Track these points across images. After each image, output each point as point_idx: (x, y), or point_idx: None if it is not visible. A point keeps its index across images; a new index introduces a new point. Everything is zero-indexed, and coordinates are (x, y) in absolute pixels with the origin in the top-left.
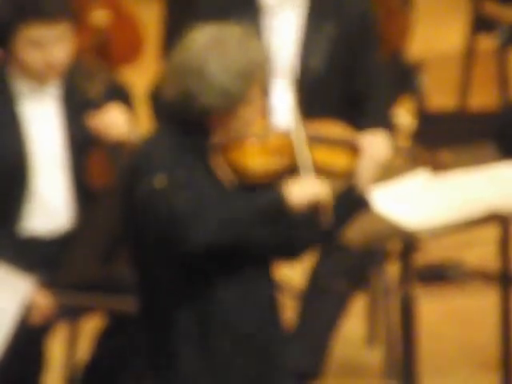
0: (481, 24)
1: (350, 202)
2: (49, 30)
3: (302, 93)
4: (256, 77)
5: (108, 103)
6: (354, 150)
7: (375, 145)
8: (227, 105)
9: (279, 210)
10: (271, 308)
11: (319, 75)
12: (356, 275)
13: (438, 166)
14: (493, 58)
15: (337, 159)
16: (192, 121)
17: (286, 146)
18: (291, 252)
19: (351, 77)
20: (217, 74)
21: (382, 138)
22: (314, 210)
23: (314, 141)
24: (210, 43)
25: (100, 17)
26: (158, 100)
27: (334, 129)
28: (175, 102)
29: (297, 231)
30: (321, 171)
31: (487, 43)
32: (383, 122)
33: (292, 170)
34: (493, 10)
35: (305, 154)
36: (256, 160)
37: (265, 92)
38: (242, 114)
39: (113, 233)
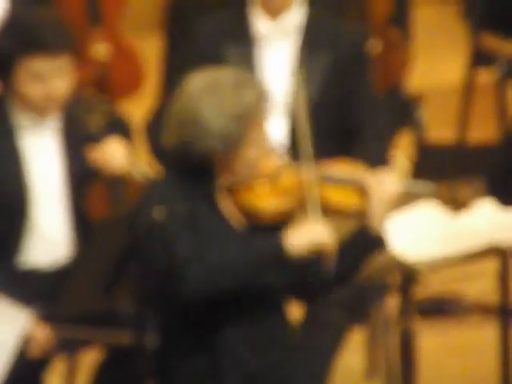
0: (480, 57)
1: (364, 242)
2: (50, 63)
3: (304, 123)
4: (253, 118)
5: (108, 136)
6: (363, 189)
7: (384, 184)
8: (226, 148)
9: (278, 258)
10: (285, 346)
11: (313, 105)
12: (355, 307)
13: (457, 205)
14: (492, 91)
15: (347, 199)
16: (195, 165)
17: (296, 187)
18: (306, 295)
19: (345, 106)
20: (212, 119)
21: (390, 176)
22: (316, 256)
23: (325, 180)
24: (203, 90)
25: (101, 50)
26: (154, 135)
27: (346, 168)
28: (176, 149)
29: (304, 276)
30: (331, 211)
31: (486, 76)
32: (377, 156)
33: (302, 209)
34: (492, 43)
35: (314, 194)
36: (266, 201)
37: (268, 130)
38: (245, 154)
39: (112, 265)
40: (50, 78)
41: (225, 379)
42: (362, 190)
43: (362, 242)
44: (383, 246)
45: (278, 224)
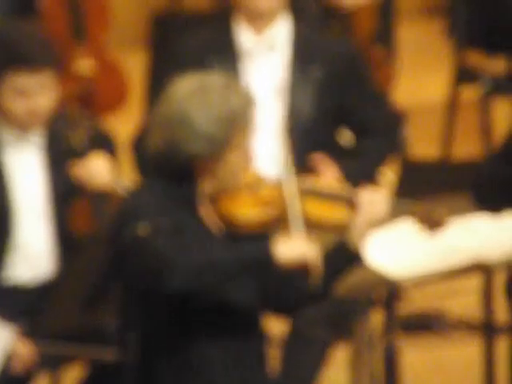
0: (464, 74)
1: (343, 256)
2: (33, 78)
3: (292, 138)
4: (240, 122)
5: (91, 152)
6: (350, 204)
7: (374, 202)
8: (212, 151)
9: (265, 265)
10: (259, 363)
11: (308, 121)
12: (338, 324)
13: (434, 225)
14: (476, 108)
15: (328, 213)
16: (178, 169)
17: (277, 198)
18: (282, 307)
19: (343, 118)
20: (199, 121)
21: (382, 195)
22: (301, 270)
23: (307, 193)
24: (191, 92)
25: (85, 66)
26: (140, 151)
27: (329, 182)
28: (160, 151)
29: (284, 287)
30: (311, 224)
31: (470, 93)
32: (369, 168)
33: (282, 222)
34: (476, 60)
35: (295, 207)
36: (246, 211)
37: (251, 138)
38: (229, 159)
39: (95, 282)
40: (33, 93)
41: None
42: (348, 205)
43: (341, 256)
44: (361, 261)
45: (257, 234)
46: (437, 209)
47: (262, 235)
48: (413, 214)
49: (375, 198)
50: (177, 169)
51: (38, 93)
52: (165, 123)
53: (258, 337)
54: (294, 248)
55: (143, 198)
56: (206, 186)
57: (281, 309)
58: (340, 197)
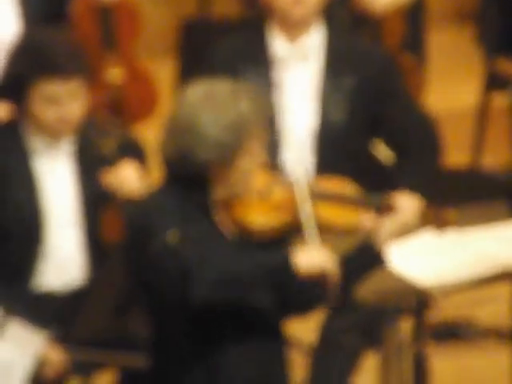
0: (494, 81)
1: (367, 257)
2: (63, 86)
3: (324, 147)
4: (251, 128)
5: (122, 159)
6: (382, 207)
7: (409, 209)
8: (223, 157)
9: (286, 276)
10: (279, 364)
11: (341, 129)
12: (368, 332)
13: (442, 224)
14: (507, 115)
15: (341, 217)
16: (192, 176)
17: (289, 203)
18: (300, 310)
19: (377, 127)
20: (209, 127)
21: (417, 202)
22: (319, 281)
23: (319, 197)
24: (201, 98)
25: (115, 74)
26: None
27: (344, 186)
28: (173, 158)
29: (303, 294)
30: (324, 228)
31: (501, 100)
32: (416, 182)
33: (296, 226)
34: (506, 67)
35: (307, 211)
36: (258, 217)
37: (270, 142)
38: (241, 164)
39: (125, 288)
40: (64, 101)
41: None
42: (357, 208)
43: (365, 256)
44: (384, 263)
45: (271, 240)
46: (445, 210)
47: (275, 241)
48: (423, 214)
49: (412, 204)
50: (190, 175)
51: (69, 101)
52: (175, 130)
53: (280, 341)
54: (313, 259)
55: (161, 204)
56: (219, 192)
57: (298, 311)
58: (357, 200)
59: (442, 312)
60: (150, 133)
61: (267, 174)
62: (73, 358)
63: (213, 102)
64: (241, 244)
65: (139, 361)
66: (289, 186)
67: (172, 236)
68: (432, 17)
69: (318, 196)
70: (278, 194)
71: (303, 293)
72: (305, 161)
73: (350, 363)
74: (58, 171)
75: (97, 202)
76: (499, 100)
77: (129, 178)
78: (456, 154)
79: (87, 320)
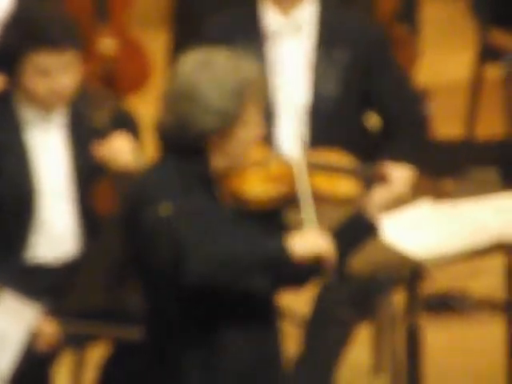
0: (488, 53)
1: (359, 226)
2: (56, 58)
3: (316, 121)
4: (249, 95)
5: (114, 132)
6: (374, 177)
7: (401, 179)
8: (222, 125)
9: (281, 261)
10: (274, 347)
11: (334, 103)
12: (361, 303)
13: (440, 195)
14: (500, 86)
15: (339, 186)
16: (190, 146)
17: (287, 173)
18: (294, 286)
19: (375, 101)
20: (208, 94)
21: (410, 174)
22: (316, 263)
23: (317, 168)
24: (198, 66)
25: (107, 45)
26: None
27: (340, 157)
28: (171, 129)
29: (298, 274)
30: (321, 198)
31: (494, 72)
32: (408, 155)
33: (292, 197)
34: (500, 39)
35: (304, 182)
36: (255, 187)
37: (265, 114)
38: (240, 134)
39: (118, 261)
40: (57, 73)
41: (214, 378)
42: (361, 178)
43: (357, 226)
44: (376, 233)
45: (268, 211)
46: (443, 180)
47: (273, 212)
48: (420, 185)
49: (404, 175)
50: (188, 145)
51: (61, 73)
52: (173, 99)
53: (274, 317)
54: (309, 244)
55: (159, 176)
56: (217, 163)
57: (292, 287)
58: (354, 170)
59: (436, 284)
60: (143, 106)
61: (265, 146)
62: (66, 331)
63: (211, 69)
64: (238, 216)
65: (133, 333)
66: (286, 157)
67: (165, 208)
68: None
69: (314, 167)
70: (276, 165)
71: (299, 273)
72: (298, 134)
73: (343, 335)
74: (50, 143)
75: (89, 174)
76: (492, 72)
77: (121, 150)
78: (449, 126)
79: (80, 292)
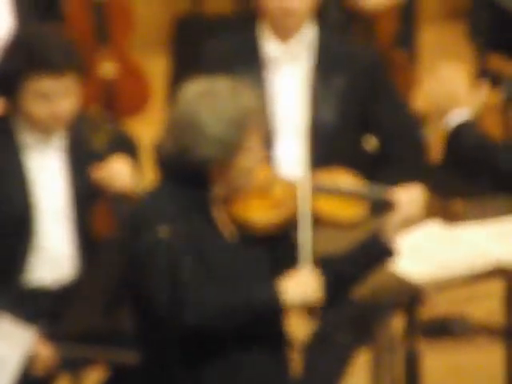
0: (486, 78)
1: (375, 250)
2: (56, 83)
3: (315, 146)
4: (250, 124)
5: (113, 154)
6: (384, 203)
7: (412, 202)
8: (224, 155)
9: (272, 311)
10: (284, 369)
11: (332, 128)
12: (360, 328)
13: (450, 217)
14: (498, 111)
15: (343, 211)
16: (192, 173)
17: (291, 197)
18: None
19: (368, 127)
20: (209, 124)
21: (419, 194)
22: (302, 309)
23: (322, 191)
24: (200, 95)
25: (108, 69)
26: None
27: (347, 179)
28: (173, 155)
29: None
30: (324, 222)
31: (493, 97)
32: (406, 179)
33: (294, 222)
34: (498, 64)
35: (306, 208)
36: (257, 213)
37: (265, 139)
38: (242, 162)
39: (115, 284)
40: (56, 97)
41: None
42: (361, 202)
43: (372, 250)
44: (392, 258)
45: (270, 235)
46: (454, 201)
47: (277, 237)
48: (430, 207)
49: (413, 198)
50: (189, 173)
51: (61, 97)
52: (175, 127)
53: (282, 342)
54: (299, 291)
55: (158, 201)
56: (219, 189)
57: None
58: (364, 194)
59: (435, 308)
60: (143, 128)
61: (269, 168)
62: (62, 354)
63: (213, 98)
64: (239, 244)
65: (130, 357)
66: (291, 180)
67: (162, 232)
68: (424, 14)
69: (320, 190)
70: (280, 189)
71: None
72: (298, 160)
73: (342, 359)
74: (49, 166)
75: (88, 197)
76: (491, 97)
77: (120, 173)
78: None
79: (77, 315)
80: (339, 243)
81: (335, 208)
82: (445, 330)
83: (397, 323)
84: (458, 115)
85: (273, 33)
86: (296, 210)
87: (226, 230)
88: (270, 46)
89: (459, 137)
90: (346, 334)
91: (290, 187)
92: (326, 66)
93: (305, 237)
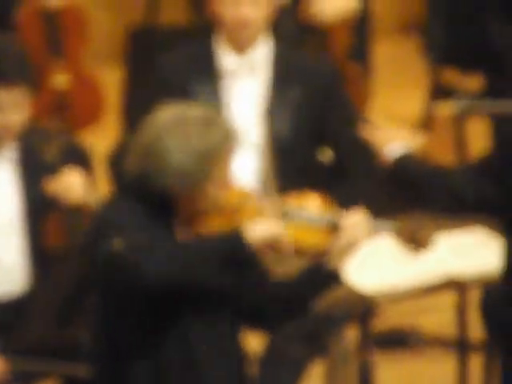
0: (439, 91)
1: (322, 276)
2: (7, 94)
3: (271, 158)
4: (220, 156)
5: (65, 166)
6: (334, 227)
7: (357, 226)
8: (187, 186)
9: (237, 249)
10: (236, 362)
11: (287, 141)
12: (314, 340)
13: (419, 243)
14: (450, 125)
15: (307, 237)
16: (153, 197)
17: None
18: (260, 322)
19: (323, 139)
20: (173, 154)
21: (364, 219)
22: (271, 247)
23: (287, 217)
24: (171, 123)
25: (61, 80)
26: (117, 168)
27: (311, 206)
28: (135, 179)
29: (261, 299)
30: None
31: (445, 110)
32: (360, 192)
33: None
34: (452, 77)
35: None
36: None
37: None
38: (207, 192)
39: (68, 297)
40: (6, 108)
41: None
42: (328, 228)
43: (320, 276)
44: (340, 282)
45: None
46: (422, 228)
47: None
48: (398, 233)
49: (357, 221)
50: (151, 197)
51: (11, 108)
52: (141, 152)
53: (239, 355)
54: (262, 229)
55: (119, 213)
56: (183, 212)
57: (259, 323)
58: (322, 220)
59: (388, 320)
60: (96, 140)
61: (235, 190)
62: (14, 368)
63: (183, 127)
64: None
65: (82, 370)
66: (257, 203)
67: (116, 244)
68: (377, 27)
69: (285, 216)
70: (245, 211)
71: (262, 297)
72: (256, 170)
73: (296, 371)
74: (0, 177)
75: (40, 209)
76: (443, 110)
77: (73, 185)
78: None
79: (29, 329)
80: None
81: (300, 236)
82: (398, 341)
83: (350, 335)
84: (398, 147)
85: (228, 45)
86: None
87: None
88: (226, 58)
89: (399, 168)
90: (299, 347)
91: (257, 210)
92: (282, 79)
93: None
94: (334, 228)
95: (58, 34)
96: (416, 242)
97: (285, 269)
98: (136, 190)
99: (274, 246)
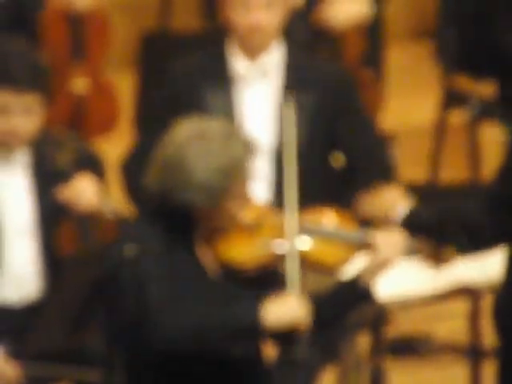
0: (452, 98)
1: (354, 294)
2: (15, 99)
3: (283, 164)
4: (240, 172)
5: (78, 173)
6: (363, 245)
7: (391, 245)
8: (209, 201)
9: (253, 331)
10: None
11: (299, 146)
12: (326, 347)
13: (440, 261)
14: (464, 131)
15: (328, 254)
16: (174, 213)
17: (277, 238)
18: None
19: (336, 145)
20: (197, 170)
21: (398, 238)
22: (289, 331)
23: (309, 233)
24: (191, 138)
25: (80, 84)
26: (129, 174)
27: (330, 220)
28: (156, 195)
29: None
30: (309, 265)
31: (458, 117)
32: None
33: (281, 262)
34: (464, 84)
35: (294, 250)
36: (242, 253)
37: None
38: (228, 207)
39: (80, 303)
40: (15, 113)
41: None
42: (354, 246)
43: (352, 293)
44: (372, 300)
45: (255, 275)
46: (444, 247)
47: (264, 275)
48: (421, 251)
49: (392, 241)
50: (172, 213)
51: (20, 114)
52: (162, 169)
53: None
54: (284, 314)
55: (138, 227)
56: (203, 229)
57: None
58: (347, 237)
59: (400, 327)
60: (109, 147)
61: (255, 208)
62: (27, 373)
63: (203, 143)
64: (222, 282)
65: (94, 375)
66: (278, 219)
67: (128, 249)
68: (390, 33)
69: (306, 231)
70: (266, 228)
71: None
72: (268, 175)
73: (308, 379)
74: (13, 184)
75: (53, 215)
76: (456, 117)
77: (85, 192)
78: (413, 170)
79: (42, 334)
80: (321, 285)
81: (321, 252)
82: (410, 348)
83: (363, 342)
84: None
85: (241, 50)
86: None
87: (210, 268)
88: (238, 64)
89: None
90: (311, 354)
91: (276, 227)
92: (295, 84)
93: (293, 267)
94: (360, 245)
95: (82, 37)
96: (438, 258)
97: (308, 285)
98: (157, 206)
99: (290, 329)
